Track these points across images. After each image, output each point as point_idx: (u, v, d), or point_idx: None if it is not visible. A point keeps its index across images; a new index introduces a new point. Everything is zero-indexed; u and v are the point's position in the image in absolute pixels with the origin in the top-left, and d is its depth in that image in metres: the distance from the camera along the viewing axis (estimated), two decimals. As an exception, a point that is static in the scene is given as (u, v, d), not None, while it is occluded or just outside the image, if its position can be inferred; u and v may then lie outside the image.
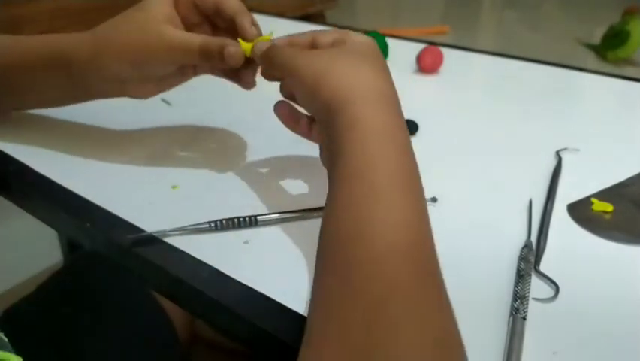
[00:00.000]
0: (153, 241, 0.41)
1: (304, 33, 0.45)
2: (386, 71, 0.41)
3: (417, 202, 0.34)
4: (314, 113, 0.42)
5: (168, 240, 0.41)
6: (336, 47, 0.42)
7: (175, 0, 0.47)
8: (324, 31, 0.44)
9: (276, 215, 0.43)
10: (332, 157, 0.37)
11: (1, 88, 0.53)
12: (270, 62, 0.44)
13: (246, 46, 0.45)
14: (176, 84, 0.52)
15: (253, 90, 0.49)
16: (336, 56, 0.40)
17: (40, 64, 0.49)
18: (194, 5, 0.48)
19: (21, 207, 0.51)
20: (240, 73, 0.48)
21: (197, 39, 0.45)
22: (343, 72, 0.39)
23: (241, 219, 0.42)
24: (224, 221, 0.42)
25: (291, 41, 0.44)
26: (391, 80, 0.41)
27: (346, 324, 0.27)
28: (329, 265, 0.31)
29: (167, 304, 0.67)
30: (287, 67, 0.41)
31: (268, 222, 0.43)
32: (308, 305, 0.33)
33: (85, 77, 0.48)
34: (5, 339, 0.38)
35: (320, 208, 0.44)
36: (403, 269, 0.29)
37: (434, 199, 0.46)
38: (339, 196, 0.34)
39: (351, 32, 0.43)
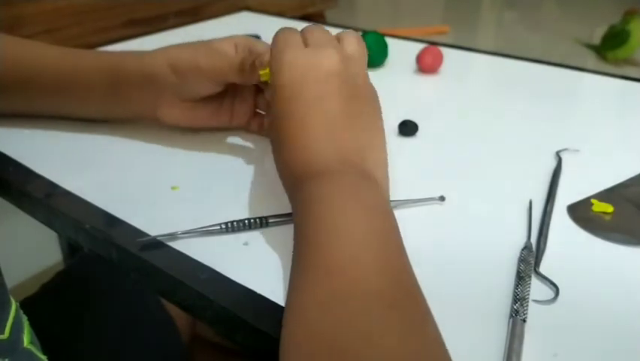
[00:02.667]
0: (160, 244, 0.41)
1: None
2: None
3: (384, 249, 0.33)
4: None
5: (171, 238, 0.41)
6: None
7: (235, 44, 0.51)
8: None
9: (286, 217, 0.43)
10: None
11: (40, 94, 0.56)
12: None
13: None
14: (205, 123, 0.56)
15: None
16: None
17: (89, 70, 0.53)
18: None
19: (20, 207, 0.51)
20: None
21: (237, 54, 0.50)
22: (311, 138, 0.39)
23: (251, 220, 0.42)
24: (235, 223, 0.42)
25: None
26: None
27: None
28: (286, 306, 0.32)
29: (169, 305, 0.67)
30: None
31: (275, 224, 0.43)
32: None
33: (129, 87, 0.53)
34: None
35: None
36: (354, 304, 0.29)
37: (442, 198, 0.46)
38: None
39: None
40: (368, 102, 0.42)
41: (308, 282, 0.31)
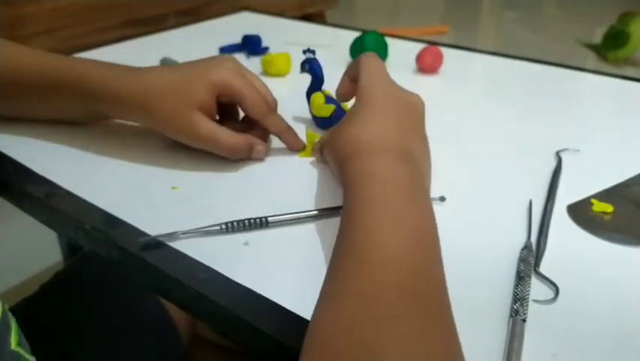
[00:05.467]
0: (161, 244, 0.41)
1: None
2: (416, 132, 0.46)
3: (411, 237, 0.34)
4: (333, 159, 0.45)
5: (172, 238, 0.41)
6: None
7: (216, 93, 0.49)
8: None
9: (287, 216, 0.43)
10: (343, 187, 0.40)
11: (16, 98, 0.55)
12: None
13: (304, 153, 0.53)
14: None
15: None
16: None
17: (63, 91, 0.52)
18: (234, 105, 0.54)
19: (21, 207, 0.51)
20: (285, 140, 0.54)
21: (226, 138, 0.49)
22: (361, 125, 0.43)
23: (251, 220, 0.42)
24: (235, 223, 0.42)
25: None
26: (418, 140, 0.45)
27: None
28: (327, 290, 0.32)
29: (169, 305, 0.67)
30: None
31: (275, 224, 0.43)
32: (307, 307, 0.33)
33: (112, 114, 0.53)
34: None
35: (323, 209, 0.44)
36: (393, 306, 0.29)
37: (442, 198, 0.46)
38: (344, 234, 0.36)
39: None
40: (424, 136, 0.47)
41: (350, 271, 0.31)
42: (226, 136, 0.49)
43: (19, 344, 0.39)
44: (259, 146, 0.51)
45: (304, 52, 0.59)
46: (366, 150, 0.41)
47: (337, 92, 0.53)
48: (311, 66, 0.58)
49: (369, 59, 0.48)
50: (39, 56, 0.54)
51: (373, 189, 0.37)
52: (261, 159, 0.52)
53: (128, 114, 0.52)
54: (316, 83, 0.58)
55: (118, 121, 0.58)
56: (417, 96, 0.47)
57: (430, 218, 0.36)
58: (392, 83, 0.47)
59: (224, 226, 0.41)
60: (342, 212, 0.37)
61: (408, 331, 0.28)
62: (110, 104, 0.50)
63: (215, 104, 0.49)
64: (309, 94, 0.59)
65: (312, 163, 0.52)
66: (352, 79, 0.50)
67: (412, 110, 0.46)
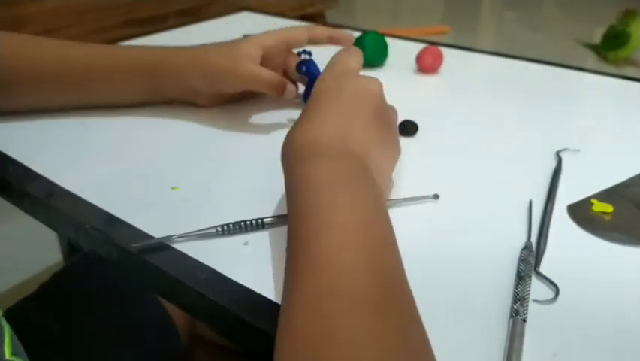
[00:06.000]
0: (158, 247, 0.41)
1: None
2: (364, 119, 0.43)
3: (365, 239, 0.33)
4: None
5: (167, 242, 0.41)
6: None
7: (263, 46, 0.58)
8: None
9: (283, 217, 0.43)
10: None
11: (80, 89, 0.60)
12: None
13: None
14: (233, 102, 0.64)
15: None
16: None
17: (126, 70, 0.59)
18: (282, 49, 0.61)
19: (21, 207, 0.51)
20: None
21: (266, 74, 0.57)
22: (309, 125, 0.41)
23: (247, 222, 0.42)
24: (231, 225, 0.41)
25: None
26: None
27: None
28: (283, 299, 0.32)
29: (168, 305, 0.67)
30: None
31: (272, 225, 0.43)
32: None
33: (166, 85, 0.60)
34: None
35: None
36: (336, 305, 0.29)
37: (436, 196, 0.46)
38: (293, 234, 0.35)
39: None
40: (392, 129, 0.46)
41: (297, 279, 0.31)
42: (265, 72, 0.57)
43: (13, 353, 0.39)
44: (290, 86, 0.57)
45: (299, 54, 0.59)
46: (302, 155, 0.39)
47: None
48: (308, 68, 0.58)
49: (339, 56, 0.47)
50: (103, 48, 0.62)
51: (310, 195, 0.35)
52: (289, 98, 0.58)
53: (185, 72, 0.59)
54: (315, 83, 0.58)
55: (118, 121, 0.58)
56: (373, 82, 0.44)
57: (377, 215, 0.35)
58: (345, 74, 0.44)
59: (219, 229, 0.41)
60: (288, 221, 0.36)
61: (361, 332, 0.27)
62: (167, 67, 0.59)
63: (259, 56, 0.58)
64: (306, 96, 0.58)
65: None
66: None
67: (360, 97, 0.43)
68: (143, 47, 0.63)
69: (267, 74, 0.57)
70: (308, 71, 0.58)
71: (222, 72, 0.57)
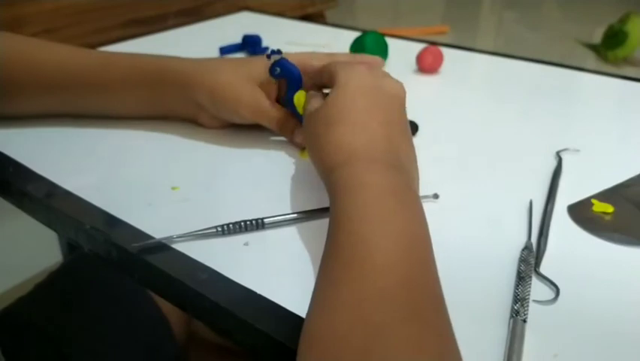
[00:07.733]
0: (158, 247, 0.41)
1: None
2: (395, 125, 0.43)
3: (405, 239, 0.34)
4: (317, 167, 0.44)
5: (167, 242, 0.41)
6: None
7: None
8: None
9: (282, 217, 0.43)
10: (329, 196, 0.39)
11: (80, 97, 0.57)
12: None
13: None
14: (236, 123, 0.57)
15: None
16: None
17: (123, 80, 0.55)
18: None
19: (21, 208, 0.51)
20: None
21: (276, 114, 0.53)
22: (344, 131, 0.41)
23: (247, 222, 0.42)
24: (231, 225, 0.41)
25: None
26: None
27: None
28: (320, 298, 0.32)
29: (163, 304, 0.67)
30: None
31: (272, 225, 0.43)
32: (307, 307, 0.33)
33: (171, 99, 0.55)
34: None
35: (322, 210, 0.44)
36: (388, 313, 0.29)
37: (436, 196, 0.46)
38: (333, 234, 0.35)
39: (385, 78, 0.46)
40: (408, 133, 0.45)
41: (345, 277, 0.31)
42: (275, 111, 0.53)
43: None
44: (299, 131, 0.53)
45: (268, 56, 0.53)
46: (352, 159, 0.39)
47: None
48: (283, 67, 0.52)
49: (361, 57, 0.49)
50: (101, 56, 0.59)
51: (362, 197, 0.36)
52: (297, 143, 0.54)
53: (190, 83, 0.53)
54: (294, 83, 0.52)
55: (118, 122, 0.58)
56: (398, 85, 0.46)
57: (421, 223, 0.36)
58: (370, 74, 0.46)
59: (219, 229, 0.41)
60: (330, 220, 0.36)
61: (404, 338, 0.27)
62: (176, 81, 0.54)
63: (272, 81, 0.53)
64: (287, 98, 0.53)
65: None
66: (321, 85, 0.52)
67: (394, 103, 0.44)
68: (144, 55, 0.58)
69: (277, 113, 0.53)
70: (284, 71, 0.52)
71: (230, 100, 0.53)
